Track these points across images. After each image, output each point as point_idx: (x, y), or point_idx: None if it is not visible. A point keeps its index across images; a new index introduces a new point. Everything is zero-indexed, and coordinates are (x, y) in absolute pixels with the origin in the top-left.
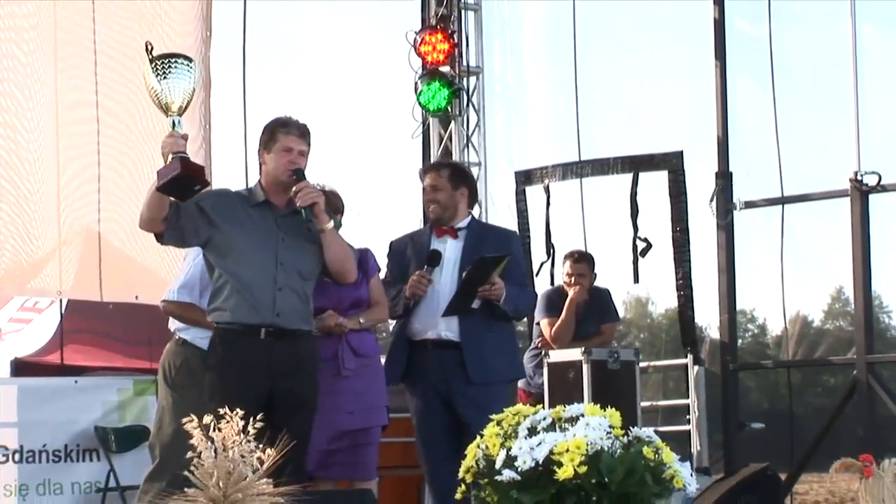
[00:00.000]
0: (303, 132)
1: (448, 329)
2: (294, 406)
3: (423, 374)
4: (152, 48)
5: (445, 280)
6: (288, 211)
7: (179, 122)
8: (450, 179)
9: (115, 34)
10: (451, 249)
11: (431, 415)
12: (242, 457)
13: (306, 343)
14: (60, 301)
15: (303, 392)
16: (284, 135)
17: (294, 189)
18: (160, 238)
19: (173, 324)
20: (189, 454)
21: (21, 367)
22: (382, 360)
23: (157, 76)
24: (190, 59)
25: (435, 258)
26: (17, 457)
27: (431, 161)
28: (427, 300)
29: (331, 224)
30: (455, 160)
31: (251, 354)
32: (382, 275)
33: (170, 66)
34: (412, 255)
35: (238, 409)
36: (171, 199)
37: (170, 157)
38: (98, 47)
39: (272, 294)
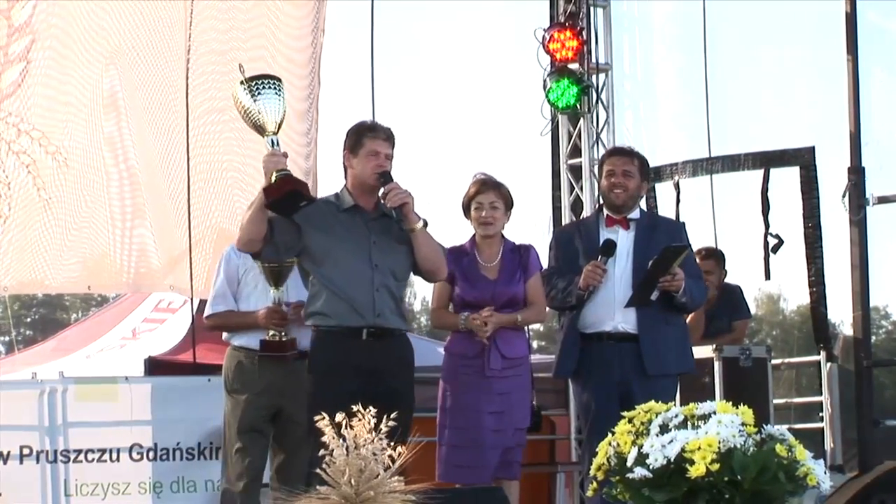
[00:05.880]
0: (388, 136)
1: (625, 321)
2: (394, 404)
3: (598, 368)
4: (244, 69)
5: (619, 271)
6: (377, 213)
7: (277, 140)
8: (640, 169)
9: (244, 35)
10: (622, 240)
11: (610, 408)
12: (374, 455)
13: (404, 341)
14: (192, 300)
15: (402, 389)
16: (371, 139)
17: (383, 191)
18: (257, 256)
19: (224, 334)
20: (321, 452)
21: (154, 366)
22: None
23: (251, 97)
24: (279, 80)
25: (610, 248)
26: (151, 455)
27: (561, 157)
28: (601, 291)
29: (420, 224)
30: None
31: (354, 355)
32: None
33: (260, 88)
34: (581, 244)
35: (343, 409)
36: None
37: (273, 174)
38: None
39: (371, 296)
